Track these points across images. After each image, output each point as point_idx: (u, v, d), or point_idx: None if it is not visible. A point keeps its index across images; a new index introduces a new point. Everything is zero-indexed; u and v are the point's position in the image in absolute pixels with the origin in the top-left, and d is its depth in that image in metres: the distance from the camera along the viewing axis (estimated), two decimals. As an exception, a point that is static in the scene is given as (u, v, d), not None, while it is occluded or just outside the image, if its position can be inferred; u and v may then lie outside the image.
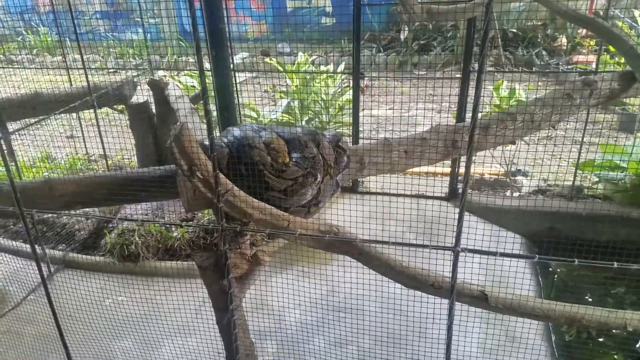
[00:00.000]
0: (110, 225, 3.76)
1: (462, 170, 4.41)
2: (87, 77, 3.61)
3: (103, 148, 3.95)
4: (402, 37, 11.34)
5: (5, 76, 6.24)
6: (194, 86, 4.85)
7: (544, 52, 10.44)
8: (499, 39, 10.58)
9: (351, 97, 4.56)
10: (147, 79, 4.28)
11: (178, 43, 12.86)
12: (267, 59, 4.72)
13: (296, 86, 4.33)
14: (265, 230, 1.84)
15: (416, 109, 8.30)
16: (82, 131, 4.73)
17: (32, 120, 3.83)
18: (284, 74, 4.81)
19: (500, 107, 3.97)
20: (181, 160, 1.77)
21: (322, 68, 4.70)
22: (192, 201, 2.07)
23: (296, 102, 4.47)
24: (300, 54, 4.63)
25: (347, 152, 2.32)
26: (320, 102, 4.38)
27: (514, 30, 10.96)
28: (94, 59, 13.23)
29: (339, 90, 4.77)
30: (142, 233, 3.46)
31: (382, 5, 11.76)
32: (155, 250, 3.50)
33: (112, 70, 11.61)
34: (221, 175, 1.79)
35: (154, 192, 2.33)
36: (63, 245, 3.64)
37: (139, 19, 13.38)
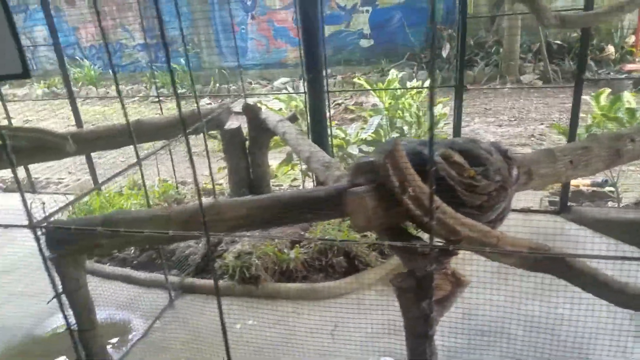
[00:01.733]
0: (219, 248, 3.73)
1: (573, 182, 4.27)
2: (197, 105, 3.65)
3: (211, 174, 3.96)
4: (443, 54, 11.35)
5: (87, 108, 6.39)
6: (281, 109, 4.88)
7: (591, 63, 10.27)
8: (544, 51, 10.54)
9: (443, 111, 4.51)
10: (243, 105, 4.32)
11: (219, 71, 13.14)
12: (355, 79, 4.72)
13: (390, 103, 4.31)
14: (476, 249, 1.76)
15: (474, 123, 8.22)
16: (170, 158, 4.77)
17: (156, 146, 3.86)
18: (364, 92, 4.78)
19: (607, 117, 3.85)
20: (394, 176, 1.72)
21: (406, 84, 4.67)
22: (372, 221, 2.00)
23: (384, 120, 4.44)
24: (392, 71, 4.63)
25: (515, 163, 2.24)
26: (411, 118, 4.34)
27: (559, 42, 10.87)
28: (138, 89, 13.58)
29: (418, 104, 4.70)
30: (259, 255, 3.41)
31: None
32: (272, 272, 3.43)
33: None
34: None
35: (318, 213, 2.28)
36: (175, 270, 3.61)
37: (181, 49, 13.73)
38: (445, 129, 4.83)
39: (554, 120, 8.03)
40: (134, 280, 3.62)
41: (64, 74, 5.15)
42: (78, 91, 13.66)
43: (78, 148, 3.76)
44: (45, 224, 2.19)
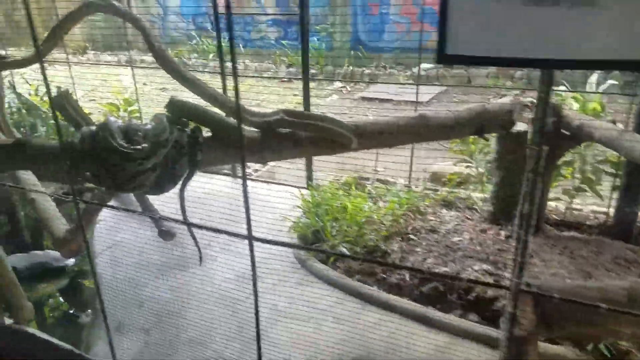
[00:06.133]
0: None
1: None
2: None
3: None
4: None
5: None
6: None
7: None
8: None
9: None
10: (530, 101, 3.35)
11: (354, 53, 12.22)
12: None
13: None
14: None
15: None
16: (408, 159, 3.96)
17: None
18: None
19: None
20: None
21: None
22: None
23: None
24: None
25: None
26: None
27: None
28: (267, 67, 13.04)
29: None
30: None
31: None
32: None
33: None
34: None
35: None
36: (474, 314, 2.80)
37: (319, 27, 12.95)
38: None
39: None
40: (444, 325, 2.79)
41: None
42: (207, 63, 13.38)
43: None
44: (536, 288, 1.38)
